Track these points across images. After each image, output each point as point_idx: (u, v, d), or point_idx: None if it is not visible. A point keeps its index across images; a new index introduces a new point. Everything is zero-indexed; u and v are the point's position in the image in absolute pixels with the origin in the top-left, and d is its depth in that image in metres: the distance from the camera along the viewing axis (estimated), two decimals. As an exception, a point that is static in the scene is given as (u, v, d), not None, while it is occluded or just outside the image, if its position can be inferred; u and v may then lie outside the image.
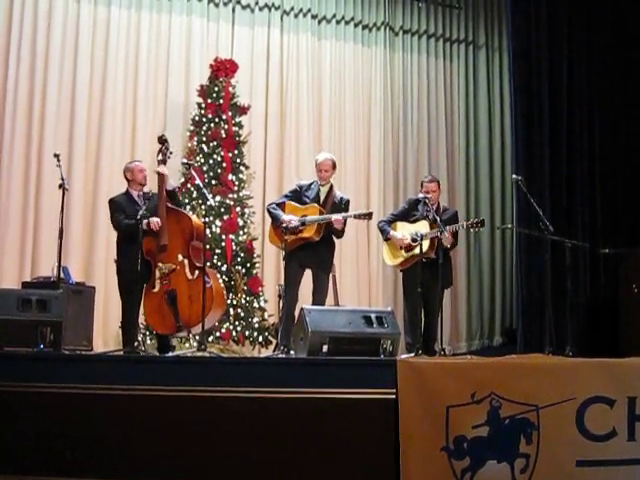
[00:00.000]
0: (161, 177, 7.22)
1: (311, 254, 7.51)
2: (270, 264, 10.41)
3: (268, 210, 7.78)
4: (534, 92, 10.30)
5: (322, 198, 7.66)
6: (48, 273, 8.36)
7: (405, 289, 7.95)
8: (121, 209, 7.25)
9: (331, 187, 7.76)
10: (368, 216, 7.60)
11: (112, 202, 7.39)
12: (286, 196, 7.81)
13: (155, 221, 7.01)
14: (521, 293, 10.01)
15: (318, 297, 7.53)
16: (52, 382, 5.20)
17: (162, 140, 7.39)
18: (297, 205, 7.61)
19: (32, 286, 7.92)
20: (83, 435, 5.10)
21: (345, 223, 7.46)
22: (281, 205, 7.66)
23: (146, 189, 7.32)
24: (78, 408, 5.13)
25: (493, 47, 12.19)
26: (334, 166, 7.81)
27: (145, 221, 6.89)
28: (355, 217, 7.63)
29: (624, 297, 9.33)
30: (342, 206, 7.69)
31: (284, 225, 7.33)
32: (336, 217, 7.43)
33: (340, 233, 7.63)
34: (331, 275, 9.04)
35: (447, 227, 7.39)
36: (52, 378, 5.23)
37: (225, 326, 9.14)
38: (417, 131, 11.67)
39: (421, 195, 7.75)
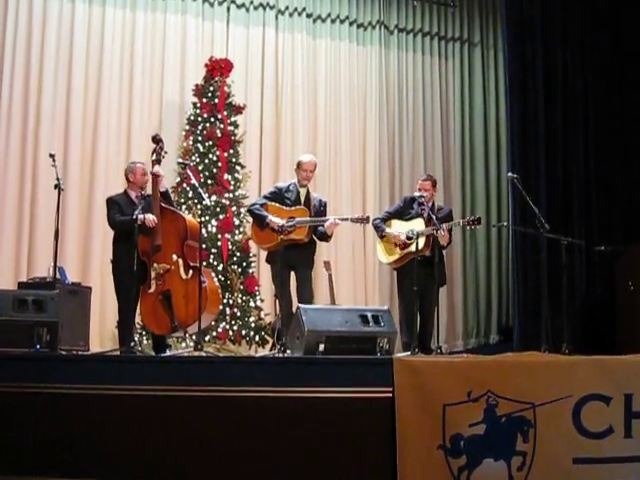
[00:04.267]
0: (155, 177, 7.21)
1: (296, 254, 7.53)
2: (266, 264, 10.37)
3: (251, 211, 7.77)
4: (529, 89, 10.31)
5: (302, 201, 7.71)
6: (44, 273, 8.33)
7: (400, 288, 7.95)
8: (118, 208, 7.24)
9: (308, 189, 7.81)
10: (365, 220, 7.64)
11: (110, 200, 7.37)
12: (265, 197, 7.84)
13: (150, 218, 7.00)
14: (517, 291, 10.01)
15: (306, 295, 7.56)
16: (48, 383, 5.19)
17: (156, 140, 7.36)
18: (282, 207, 7.64)
19: (28, 286, 7.90)
20: (80, 435, 5.09)
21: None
22: (263, 206, 7.69)
23: (143, 191, 7.31)
24: (75, 409, 5.13)
25: (488, 45, 12.19)
26: (315, 167, 7.88)
27: (140, 216, 6.86)
28: (352, 221, 7.68)
29: (620, 294, 9.35)
30: (321, 208, 7.75)
31: (280, 225, 7.34)
32: (332, 221, 7.46)
33: (329, 237, 7.68)
34: (327, 274, 9.08)
35: (443, 225, 7.41)
36: (48, 379, 5.23)
37: (221, 325, 9.13)
38: (413, 129, 11.66)
39: (417, 194, 7.77)
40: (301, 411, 5.13)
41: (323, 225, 7.56)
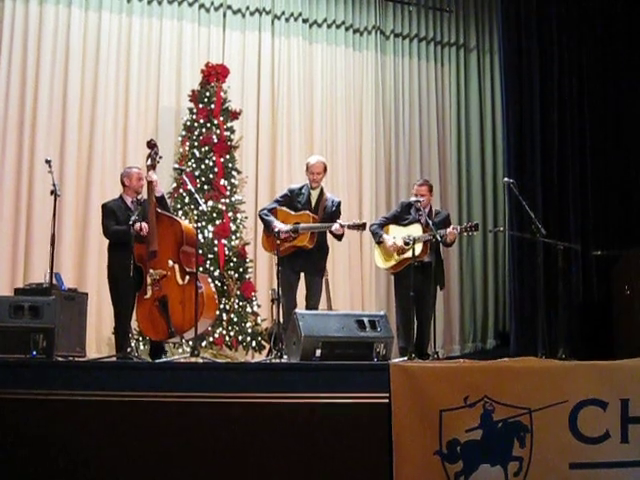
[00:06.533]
0: (150, 183, 7.21)
1: (304, 260, 7.55)
2: (263, 269, 10.40)
3: (260, 216, 7.80)
4: (525, 94, 10.34)
5: (313, 203, 7.69)
6: (40, 279, 8.34)
7: (397, 293, 7.96)
8: (113, 215, 7.25)
9: (321, 191, 7.78)
10: (362, 227, 7.61)
11: (104, 207, 7.39)
12: (277, 201, 7.84)
13: (144, 226, 7.01)
14: (514, 296, 10.03)
15: (312, 301, 7.58)
16: (45, 389, 5.17)
17: (151, 145, 7.35)
18: (289, 212, 7.64)
19: (24, 292, 7.90)
20: (76, 442, 5.08)
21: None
22: (272, 211, 7.69)
23: (139, 196, 7.31)
24: (71, 415, 5.11)
25: (484, 50, 12.18)
26: (325, 169, 7.87)
27: (136, 225, 6.87)
28: (349, 227, 7.64)
29: (616, 299, 9.34)
30: (334, 209, 7.73)
31: (276, 231, 7.34)
32: (338, 225, 7.45)
33: (341, 237, 7.68)
34: (324, 279, 9.06)
35: (451, 227, 7.48)
36: (45, 385, 5.20)
37: (218, 331, 9.13)
38: (409, 134, 11.66)
39: (413, 198, 7.78)
40: (297, 417, 5.12)
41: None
